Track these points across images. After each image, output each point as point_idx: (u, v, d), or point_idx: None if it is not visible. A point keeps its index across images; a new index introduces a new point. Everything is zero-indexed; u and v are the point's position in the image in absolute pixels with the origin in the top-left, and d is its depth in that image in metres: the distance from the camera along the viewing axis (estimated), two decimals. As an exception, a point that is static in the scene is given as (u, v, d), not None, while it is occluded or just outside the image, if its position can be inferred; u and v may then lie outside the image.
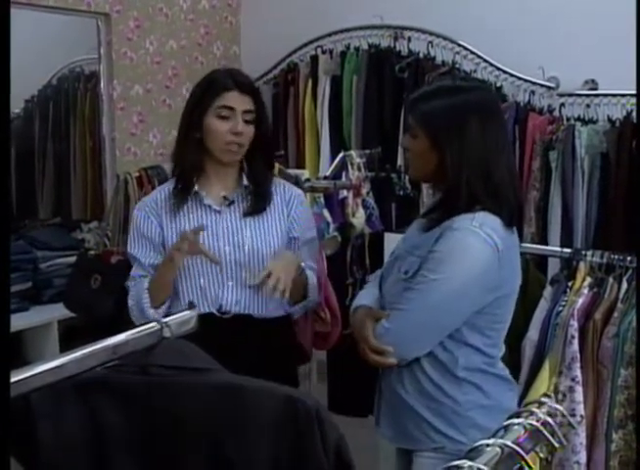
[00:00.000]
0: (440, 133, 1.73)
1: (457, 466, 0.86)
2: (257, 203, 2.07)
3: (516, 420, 0.99)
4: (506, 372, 1.88)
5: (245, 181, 2.08)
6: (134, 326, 1.16)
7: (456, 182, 1.72)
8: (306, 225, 2.17)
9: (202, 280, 2.03)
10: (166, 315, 1.25)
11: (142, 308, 2.03)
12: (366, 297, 1.93)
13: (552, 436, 0.99)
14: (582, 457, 2.16)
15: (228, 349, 1.86)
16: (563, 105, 3.56)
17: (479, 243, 1.69)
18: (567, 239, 3.32)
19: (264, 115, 2.09)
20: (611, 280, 2.26)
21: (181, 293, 2.05)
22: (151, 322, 1.16)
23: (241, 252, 2.03)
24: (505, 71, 3.73)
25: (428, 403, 1.79)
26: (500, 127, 1.81)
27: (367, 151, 3.60)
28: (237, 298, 2.03)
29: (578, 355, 2.19)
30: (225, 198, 2.07)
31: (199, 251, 1.94)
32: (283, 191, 2.14)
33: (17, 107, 3.70)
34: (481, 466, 0.87)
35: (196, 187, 2.05)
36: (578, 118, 3.45)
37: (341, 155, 3.43)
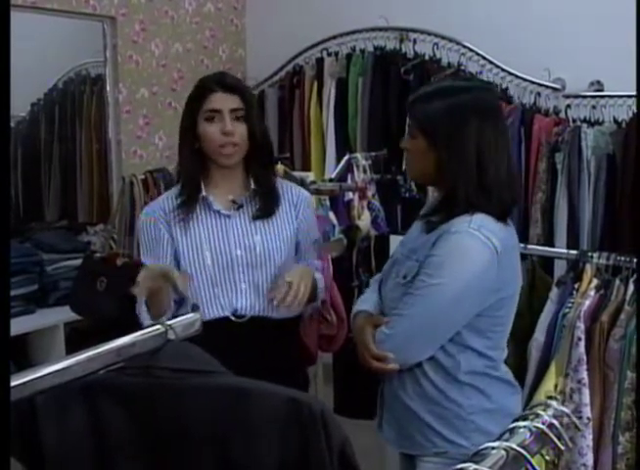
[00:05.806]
0: (437, 134, 1.71)
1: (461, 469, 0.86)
2: (266, 205, 2.06)
3: (521, 423, 0.99)
4: (509, 375, 1.85)
5: (252, 184, 2.07)
6: (139, 328, 1.16)
7: (453, 183, 1.71)
8: (312, 226, 2.17)
9: (215, 289, 2.01)
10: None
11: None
12: (366, 302, 1.91)
13: (558, 438, 0.99)
14: (589, 460, 2.16)
15: (246, 351, 1.86)
16: (569, 106, 3.56)
17: (477, 245, 1.67)
18: (573, 241, 3.32)
19: (255, 112, 2.06)
20: (617, 282, 2.25)
21: (195, 301, 2.04)
22: (155, 324, 1.16)
23: (252, 254, 2.02)
24: (511, 73, 3.73)
25: (430, 408, 1.77)
26: (498, 127, 1.77)
27: (373, 153, 3.61)
28: (252, 301, 2.02)
29: (585, 358, 2.18)
30: (234, 202, 2.06)
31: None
32: (290, 193, 2.13)
33: (23, 110, 3.71)
34: (486, 469, 0.86)
35: (203, 192, 2.04)
36: (584, 120, 3.45)
37: (346, 157, 3.43)
